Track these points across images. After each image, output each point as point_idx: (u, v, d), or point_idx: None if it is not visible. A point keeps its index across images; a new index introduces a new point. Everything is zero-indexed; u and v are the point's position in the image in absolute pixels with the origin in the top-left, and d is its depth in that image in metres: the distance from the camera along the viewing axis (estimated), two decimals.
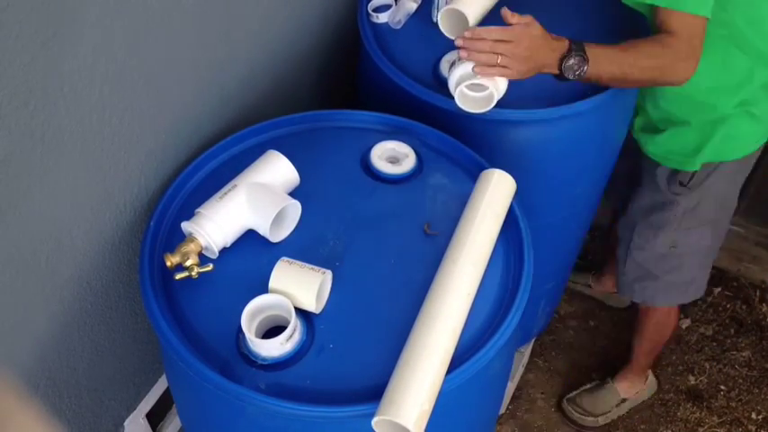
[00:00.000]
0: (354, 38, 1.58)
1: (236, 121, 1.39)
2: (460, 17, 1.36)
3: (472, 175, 1.28)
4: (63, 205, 1.06)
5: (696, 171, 1.58)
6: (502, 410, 2.04)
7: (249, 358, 1.04)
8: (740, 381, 2.17)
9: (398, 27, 1.55)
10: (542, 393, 2.14)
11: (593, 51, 1.25)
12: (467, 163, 1.30)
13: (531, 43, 1.22)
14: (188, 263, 1.09)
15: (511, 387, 2.06)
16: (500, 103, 1.39)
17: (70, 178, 1.05)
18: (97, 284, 1.22)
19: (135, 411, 1.50)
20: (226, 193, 1.15)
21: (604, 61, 1.26)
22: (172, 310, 1.09)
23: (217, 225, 1.12)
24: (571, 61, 1.24)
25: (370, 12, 1.55)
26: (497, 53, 1.20)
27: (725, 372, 2.19)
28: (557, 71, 1.25)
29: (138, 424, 1.52)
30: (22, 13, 0.83)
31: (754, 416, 2.11)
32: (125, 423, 1.49)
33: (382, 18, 1.55)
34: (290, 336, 1.02)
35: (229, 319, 1.05)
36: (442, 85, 1.46)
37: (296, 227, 1.19)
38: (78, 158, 1.04)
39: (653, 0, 1.28)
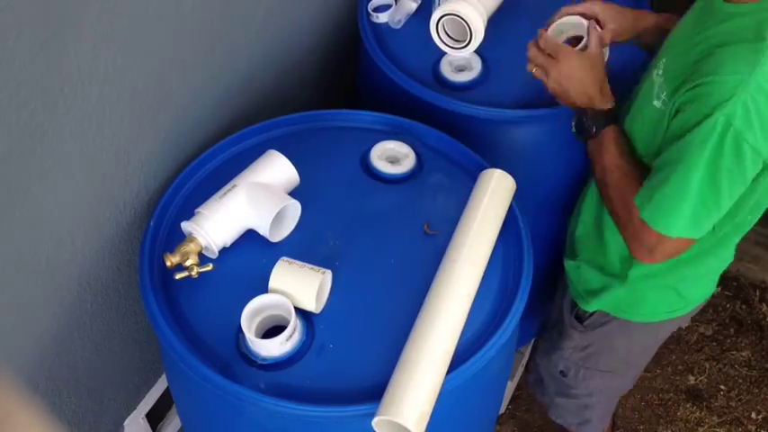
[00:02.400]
0: (354, 38, 1.58)
1: (235, 121, 1.39)
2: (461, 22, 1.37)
3: (472, 175, 1.28)
4: (63, 205, 1.06)
5: (592, 312, 1.41)
6: (502, 410, 2.04)
7: (249, 358, 1.04)
8: (740, 380, 2.17)
9: (398, 27, 1.55)
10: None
11: (610, 132, 1.17)
12: (467, 163, 1.30)
13: (571, 73, 1.17)
14: (188, 263, 1.09)
15: (511, 387, 2.05)
16: (500, 104, 1.39)
17: (70, 178, 1.04)
18: (97, 284, 1.22)
19: (135, 411, 1.50)
20: (225, 193, 1.15)
21: (605, 145, 1.17)
22: (172, 310, 1.09)
23: (216, 225, 1.12)
24: (587, 120, 1.19)
25: (370, 11, 1.55)
26: (534, 59, 1.21)
27: (725, 371, 2.19)
28: (576, 117, 1.22)
29: (137, 424, 1.52)
30: (22, 13, 0.83)
31: (753, 415, 2.11)
32: (125, 423, 1.49)
33: (382, 18, 1.55)
34: (290, 336, 1.02)
35: (229, 318, 1.05)
36: (442, 85, 1.46)
37: (296, 227, 1.19)
38: (78, 158, 1.04)
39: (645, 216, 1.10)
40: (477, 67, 1.46)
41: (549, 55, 1.18)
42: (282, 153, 1.21)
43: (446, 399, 1.01)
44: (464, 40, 1.41)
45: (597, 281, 1.36)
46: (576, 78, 1.17)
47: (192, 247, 1.10)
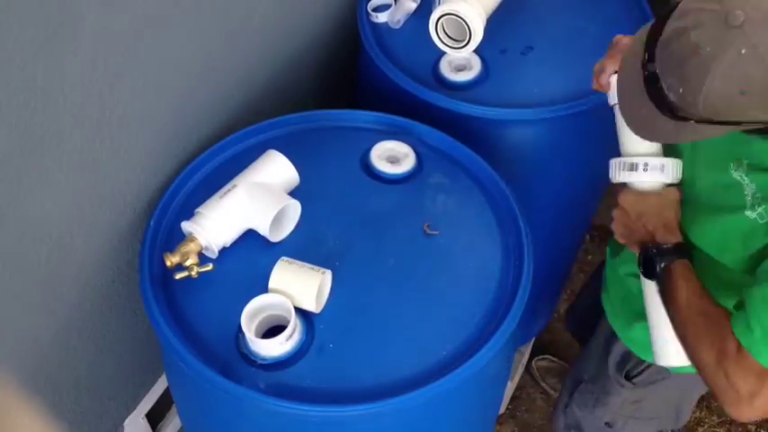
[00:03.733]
0: (354, 38, 1.58)
1: (235, 121, 1.38)
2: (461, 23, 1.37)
3: (472, 175, 1.28)
4: (63, 205, 1.06)
5: (650, 365, 1.32)
6: (502, 410, 2.04)
7: (249, 358, 1.04)
8: None
9: (398, 27, 1.55)
10: (542, 393, 2.14)
11: (681, 266, 1.04)
12: (467, 163, 1.30)
13: (634, 217, 1.08)
14: (188, 262, 1.09)
15: (511, 387, 2.06)
16: (500, 104, 1.39)
17: (70, 178, 1.04)
18: (97, 284, 1.22)
19: (135, 411, 1.50)
20: (226, 193, 1.15)
21: (676, 283, 1.04)
22: (172, 310, 1.09)
23: (216, 225, 1.12)
24: (654, 254, 1.06)
25: (369, 11, 1.55)
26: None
27: None
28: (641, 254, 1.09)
29: (137, 423, 1.52)
30: (22, 14, 0.83)
31: None
32: (125, 423, 1.49)
33: (382, 18, 1.55)
34: (290, 335, 1.02)
35: (229, 318, 1.05)
36: (441, 84, 1.46)
37: (296, 227, 1.19)
38: (78, 158, 1.04)
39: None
40: (476, 66, 1.46)
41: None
42: (282, 153, 1.21)
43: (446, 399, 1.01)
44: (463, 40, 1.41)
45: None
46: (641, 215, 1.08)
47: (192, 246, 1.10)
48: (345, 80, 1.74)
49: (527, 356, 2.13)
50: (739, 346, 0.95)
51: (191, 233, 1.12)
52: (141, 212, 1.23)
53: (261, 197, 1.15)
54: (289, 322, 1.01)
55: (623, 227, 1.10)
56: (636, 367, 1.35)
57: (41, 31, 0.87)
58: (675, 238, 1.07)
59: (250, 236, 1.17)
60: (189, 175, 1.25)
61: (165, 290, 1.12)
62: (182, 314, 1.09)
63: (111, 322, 1.30)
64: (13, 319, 1.07)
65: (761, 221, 0.99)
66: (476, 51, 1.45)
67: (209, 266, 1.12)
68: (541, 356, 2.13)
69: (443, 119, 1.36)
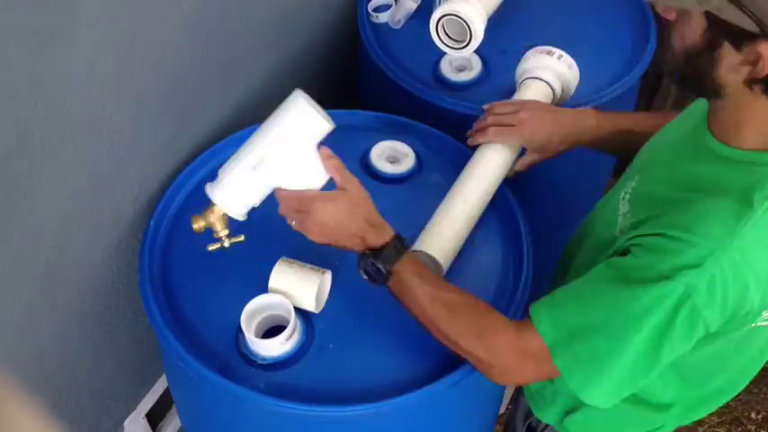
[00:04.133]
0: (354, 38, 1.58)
1: (235, 121, 1.38)
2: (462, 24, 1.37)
3: None
4: (63, 205, 1.06)
5: (548, 425, 1.20)
6: (502, 410, 2.04)
7: (249, 358, 1.04)
8: None
9: (398, 27, 1.55)
10: None
11: (403, 269, 0.99)
12: (467, 163, 1.30)
13: (325, 222, 0.99)
14: (220, 232, 1.03)
15: (511, 387, 2.05)
16: None
17: (70, 178, 1.04)
18: (97, 284, 1.22)
19: (135, 411, 1.50)
20: (255, 167, 1.00)
21: (407, 288, 0.99)
22: (172, 310, 1.09)
23: (242, 195, 1.01)
24: (369, 265, 1.00)
25: (370, 11, 1.55)
26: (287, 215, 1.02)
27: None
28: (361, 263, 1.02)
29: (138, 423, 1.52)
30: (22, 14, 0.83)
31: (753, 415, 2.11)
32: (125, 423, 1.49)
33: (382, 18, 1.55)
34: (290, 336, 1.02)
35: (229, 318, 1.05)
36: (442, 84, 1.46)
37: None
38: (78, 158, 1.04)
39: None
40: (476, 66, 1.46)
41: (299, 209, 1.00)
42: None
43: (446, 399, 1.01)
44: (464, 40, 1.41)
45: (549, 395, 1.16)
46: (338, 224, 0.99)
47: (218, 212, 1.02)
48: (345, 80, 1.74)
49: None
50: (516, 327, 0.94)
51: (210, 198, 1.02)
52: (141, 213, 1.23)
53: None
54: (289, 322, 1.01)
55: (327, 238, 1.00)
56: (538, 421, 1.22)
57: (41, 31, 0.87)
58: (388, 234, 1.01)
59: (250, 236, 1.17)
60: (189, 175, 1.25)
61: (165, 290, 1.12)
62: (182, 314, 1.09)
63: (111, 322, 1.30)
64: (13, 319, 1.07)
65: (618, 236, 0.95)
66: (476, 51, 1.45)
67: (241, 237, 1.06)
68: None
69: (443, 119, 1.36)
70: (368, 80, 1.57)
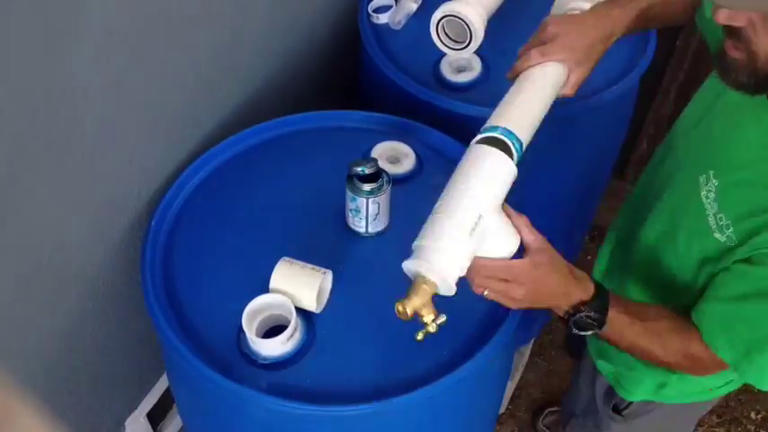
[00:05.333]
0: (354, 38, 1.59)
1: (236, 122, 1.39)
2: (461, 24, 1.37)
3: None
4: (65, 205, 1.06)
5: (633, 401, 1.30)
6: (502, 410, 2.05)
7: (250, 358, 1.04)
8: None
9: (399, 27, 1.55)
10: (542, 393, 2.14)
11: (614, 314, 0.99)
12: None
13: (534, 287, 0.95)
14: (425, 317, 0.89)
15: (511, 387, 2.06)
16: None
17: (72, 179, 1.05)
18: (98, 284, 1.22)
19: (136, 411, 1.50)
20: (473, 229, 0.89)
21: (618, 330, 1.01)
22: (173, 310, 1.10)
23: (460, 270, 0.90)
24: (582, 319, 0.97)
25: (370, 12, 1.55)
26: (486, 287, 0.96)
27: None
28: (561, 315, 1.00)
29: (138, 423, 1.52)
30: (24, 15, 0.84)
31: (753, 415, 2.12)
32: (126, 422, 1.49)
33: (382, 18, 1.55)
34: (291, 335, 1.03)
35: (230, 318, 1.05)
36: (442, 85, 1.46)
37: (296, 226, 1.19)
38: (80, 159, 1.04)
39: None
40: (477, 67, 1.46)
41: (497, 277, 0.95)
42: (283, 153, 1.21)
43: (446, 399, 1.01)
44: (464, 41, 1.41)
45: (639, 376, 1.25)
46: (545, 287, 0.96)
47: (425, 290, 0.88)
48: (346, 80, 1.74)
49: (527, 356, 2.13)
50: (704, 351, 1.00)
51: (419, 273, 0.89)
52: (143, 212, 1.23)
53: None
54: (290, 322, 1.02)
55: (533, 303, 0.98)
56: (622, 400, 1.31)
57: (42, 32, 0.88)
58: (591, 282, 0.99)
59: (249, 235, 1.17)
60: (190, 175, 1.25)
61: (167, 290, 1.12)
62: (183, 314, 1.09)
63: (112, 322, 1.30)
64: (14, 318, 1.08)
65: (725, 242, 0.97)
66: (476, 52, 1.45)
67: (443, 318, 0.91)
68: (547, 412, 2.08)
69: (444, 119, 1.36)
70: (368, 80, 1.57)
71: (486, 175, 0.91)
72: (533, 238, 0.96)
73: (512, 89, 1.07)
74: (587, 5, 1.19)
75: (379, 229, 1.18)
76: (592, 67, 1.11)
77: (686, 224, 1.05)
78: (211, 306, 1.11)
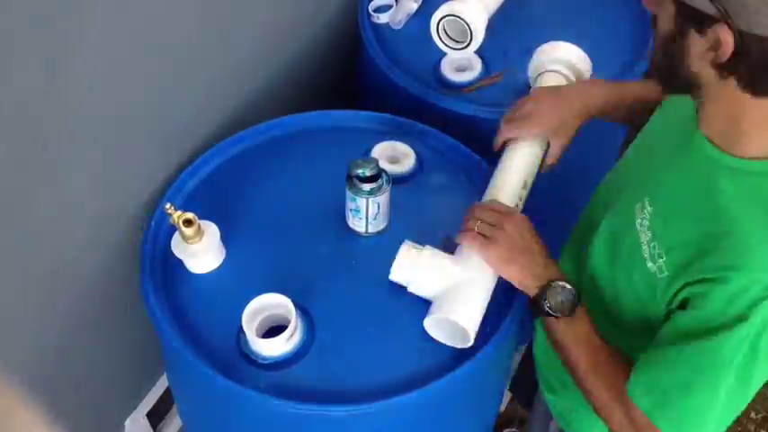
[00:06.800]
0: (354, 38, 1.59)
1: (236, 122, 1.39)
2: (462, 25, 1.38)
3: (472, 175, 1.29)
4: (65, 206, 1.06)
5: None
6: (502, 410, 2.05)
7: (250, 358, 1.04)
8: None
9: (399, 27, 1.55)
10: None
11: (583, 312, 0.99)
12: (467, 163, 1.30)
13: (521, 241, 1.01)
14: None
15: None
16: (500, 104, 1.39)
17: (72, 179, 1.05)
18: (98, 285, 1.22)
19: (135, 411, 1.50)
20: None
21: (580, 330, 0.99)
22: (172, 310, 1.09)
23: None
24: (557, 291, 0.98)
25: (370, 12, 1.55)
26: (481, 218, 1.04)
27: None
28: (534, 291, 1.00)
29: (138, 423, 1.52)
30: (24, 16, 0.84)
31: (753, 415, 2.11)
32: (126, 422, 1.49)
33: (383, 18, 1.55)
34: (291, 335, 1.02)
35: (230, 318, 1.05)
36: (442, 85, 1.46)
37: (296, 226, 1.19)
38: (79, 159, 1.04)
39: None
40: (477, 67, 1.46)
41: (500, 213, 1.04)
42: (282, 153, 1.21)
43: (447, 399, 1.01)
44: (464, 41, 1.41)
45: (591, 419, 1.10)
46: (527, 246, 1.01)
47: None
48: (346, 80, 1.74)
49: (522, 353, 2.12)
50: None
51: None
52: (142, 213, 1.23)
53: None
54: (289, 322, 1.02)
55: (510, 255, 1.01)
56: None
57: (44, 35, 0.88)
58: (565, 276, 1.00)
59: (249, 234, 1.17)
60: (190, 175, 1.25)
61: (166, 290, 1.12)
62: (183, 314, 1.09)
63: (111, 322, 1.30)
64: (13, 318, 1.07)
65: (656, 272, 0.92)
66: (477, 52, 1.46)
67: None
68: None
69: (444, 119, 1.36)
70: (368, 80, 1.57)
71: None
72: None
73: (495, 172, 1.18)
74: (564, 71, 1.26)
75: (379, 228, 1.18)
76: (570, 137, 1.18)
77: (624, 251, 1.00)
78: (211, 306, 1.11)
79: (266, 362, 1.03)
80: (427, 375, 1.02)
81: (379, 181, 1.11)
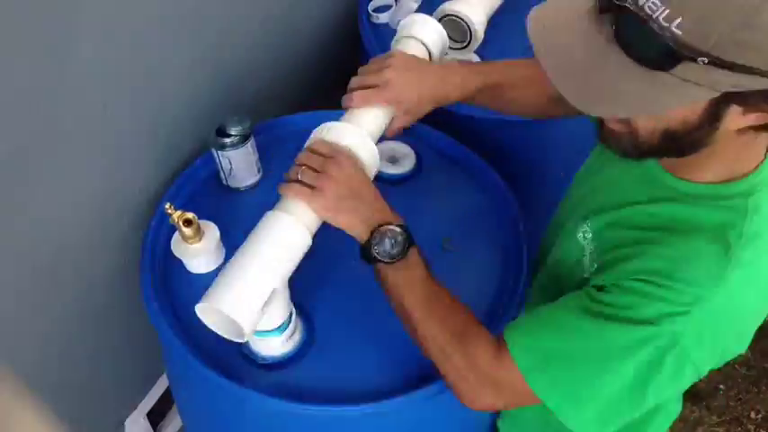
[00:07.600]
0: (354, 38, 1.59)
1: None
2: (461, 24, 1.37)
3: (472, 175, 1.29)
4: (65, 205, 1.06)
5: None
6: None
7: (250, 358, 1.04)
8: (739, 380, 2.18)
9: None
10: None
11: (416, 257, 0.96)
12: (467, 163, 1.30)
13: (349, 182, 0.95)
14: None
15: None
16: None
17: (72, 178, 1.05)
18: (98, 284, 1.22)
19: (135, 411, 1.50)
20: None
21: (413, 276, 0.95)
22: (173, 310, 1.10)
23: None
24: (388, 234, 0.94)
25: (370, 12, 1.55)
26: (306, 163, 0.97)
27: (724, 371, 2.19)
28: (365, 236, 0.95)
29: (138, 423, 1.52)
30: (23, 14, 0.84)
31: (753, 415, 2.12)
32: (126, 422, 1.49)
33: (383, 18, 1.55)
34: (291, 335, 1.03)
35: None
36: None
37: None
38: (79, 159, 1.04)
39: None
40: None
41: (326, 156, 0.97)
42: (283, 153, 1.21)
43: (447, 398, 1.01)
44: (464, 41, 1.41)
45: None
46: (357, 187, 0.96)
47: None
48: (346, 80, 1.74)
49: None
50: (497, 347, 0.89)
51: None
52: (142, 213, 1.23)
53: None
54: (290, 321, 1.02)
55: (339, 198, 0.94)
56: None
57: (42, 31, 0.88)
58: (400, 219, 0.97)
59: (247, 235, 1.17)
60: (190, 175, 1.25)
61: (166, 290, 1.12)
62: (183, 314, 1.09)
63: (111, 322, 1.30)
64: (13, 318, 1.08)
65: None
66: (476, 52, 1.46)
67: None
68: None
69: (444, 119, 1.36)
70: None
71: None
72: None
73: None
74: (426, 39, 1.17)
75: (239, 186, 1.23)
76: (417, 118, 1.12)
77: (564, 256, 1.00)
78: None
79: (266, 362, 1.03)
80: (427, 375, 1.02)
81: (232, 139, 1.16)
